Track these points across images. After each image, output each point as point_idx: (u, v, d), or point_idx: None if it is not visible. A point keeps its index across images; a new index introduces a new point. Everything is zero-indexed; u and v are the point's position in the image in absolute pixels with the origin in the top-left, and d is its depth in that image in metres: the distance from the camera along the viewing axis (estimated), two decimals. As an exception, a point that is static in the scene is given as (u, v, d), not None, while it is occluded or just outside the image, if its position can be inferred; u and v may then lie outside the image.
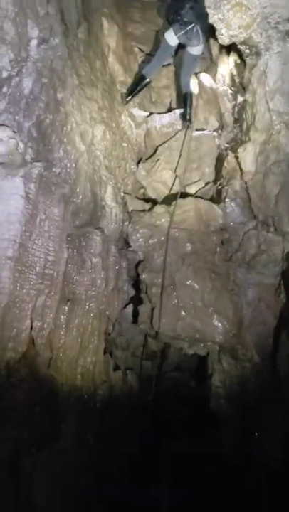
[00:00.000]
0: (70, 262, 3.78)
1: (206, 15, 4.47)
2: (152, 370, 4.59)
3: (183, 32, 4.55)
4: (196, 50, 4.74)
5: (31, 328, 3.30)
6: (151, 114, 5.48)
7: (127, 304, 4.57)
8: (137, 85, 4.95)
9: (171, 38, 4.64)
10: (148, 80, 4.89)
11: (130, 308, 4.62)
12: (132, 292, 4.62)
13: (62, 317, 3.70)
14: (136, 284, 4.60)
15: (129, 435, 4.18)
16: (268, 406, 4.20)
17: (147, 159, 5.21)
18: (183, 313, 4.19)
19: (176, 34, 4.59)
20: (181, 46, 4.86)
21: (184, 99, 5.07)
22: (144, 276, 4.38)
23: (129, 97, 4.93)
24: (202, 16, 4.57)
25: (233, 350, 4.60)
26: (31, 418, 3.25)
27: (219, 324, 4.23)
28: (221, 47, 5.22)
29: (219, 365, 4.56)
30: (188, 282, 4.30)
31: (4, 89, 2.87)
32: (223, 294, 4.38)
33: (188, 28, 4.53)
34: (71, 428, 3.58)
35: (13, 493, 2.99)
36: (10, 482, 2.98)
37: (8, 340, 3.06)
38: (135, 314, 4.55)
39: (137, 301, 4.57)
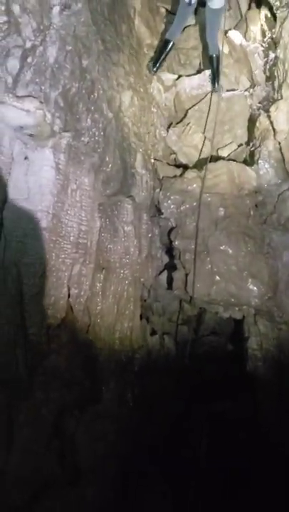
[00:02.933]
0: (102, 230, 3.84)
1: None
2: (188, 334, 4.66)
3: None
4: (216, 3, 4.42)
5: (69, 295, 3.41)
6: (180, 76, 5.36)
7: (161, 271, 4.61)
8: (162, 51, 4.76)
9: None
10: (172, 43, 4.70)
11: (165, 274, 4.65)
12: (166, 259, 4.64)
13: (98, 285, 3.79)
14: (169, 250, 4.61)
15: (166, 397, 4.30)
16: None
17: (177, 123, 5.12)
18: (217, 277, 4.19)
19: None
20: (201, 3, 4.54)
21: (210, 62, 4.88)
22: (177, 243, 4.38)
23: (156, 66, 4.78)
24: None
25: (269, 313, 4.57)
26: (73, 381, 3.40)
27: (254, 288, 4.21)
28: (251, 1, 4.98)
29: (255, 328, 4.56)
30: (221, 247, 4.28)
31: (29, 60, 2.87)
32: (258, 258, 4.34)
33: None
34: (111, 391, 3.71)
35: (59, 453, 3.16)
36: (55, 442, 3.15)
37: (47, 308, 3.18)
38: (170, 280, 4.59)
39: (171, 267, 4.60)
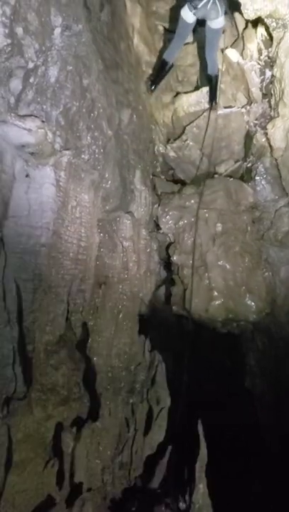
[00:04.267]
0: (101, 246, 3.85)
1: None
2: (186, 349, 4.65)
3: (200, 6, 4.33)
4: (216, 23, 4.49)
5: (68, 312, 3.41)
6: (178, 93, 5.45)
7: (159, 286, 4.63)
8: (161, 71, 4.84)
9: (188, 14, 4.40)
10: (171, 64, 4.77)
11: (163, 289, 4.67)
12: (164, 274, 4.67)
13: (96, 300, 3.79)
14: (168, 265, 4.64)
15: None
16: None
17: (175, 140, 5.20)
18: (215, 293, 4.23)
19: (192, 10, 4.35)
20: (200, 22, 4.63)
21: (209, 80, 4.95)
22: (175, 258, 4.42)
23: (154, 86, 4.84)
24: None
25: (267, 328, 4.61)
26: (71, 398, 3.38)
27: (252, 303, 4.25)
28: (247, 21, 5.07)
29: (253, 344, 4.59)
30: (219, 262, 4.32)
31: (31, 80, 2.91)
32: (256, 273, 4.38)
33: (205, 0, 4.34)
34: (110, 407, 3.70)
35: (57, 472, 3.13)
36: (53, 460, 3.12)
37: (46, 324, 3.18)
38: (168, 296, 4.61)
39: (169, 282, 4.62)
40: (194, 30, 5.11)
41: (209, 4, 4.30)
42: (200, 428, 3.68)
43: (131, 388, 4.07)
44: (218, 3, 4.32)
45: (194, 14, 4.37)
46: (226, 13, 4.58)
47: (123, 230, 4.08)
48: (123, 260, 4.02)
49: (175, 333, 4.81)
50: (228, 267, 4.30)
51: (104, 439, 3.52)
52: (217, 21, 4.46)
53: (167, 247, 4.58)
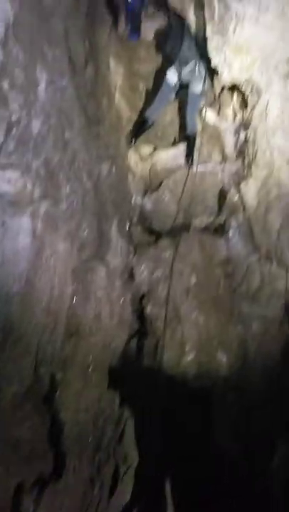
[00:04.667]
0: (75, 296, 3.82)
1: (205, 52, 4.57)
2: (157, 404, 4.55)
3: (184, 71, 4.59)
4: (198, 88, 4.80)
5: (36, 363, 3.32)
6: (156, 148, 5.64)
7: (131, 338, 4.57)
8: (141, 128, 5.04)
9: (172, 78, 4.66)
10: (151, 122, 4.98)
11: (134, 341, 4.61)
12: (136, 325, 4.62)
13: (66, 351, 3.70)
14: (140, 317, 4.61)
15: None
16: (274, 443, 4.14)
17: (153, 192, 5.31)
18: (188, 347, 4.20)
19: (176, 73, 4.62)
20: (183, 84, 4.93)
21: (187, 140, 5.17)
22: (148, 310, 4.41)
23: (133, 140, 5.01)
24: (201, 54, 4.67)
25: (238, 384, 4.57)
26: (34, 454, 3.23)
27: (224, 359, 4.23)
28: (224, 85, 5.36)
29: (224, 399, 4.52)
30: (192, 316, 4.32)
31: (13, 131, 2.95)
32: (228, 328, 4.39)
33: (189, 66, 4.58)
34: (74, 465, 3.54)
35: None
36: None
37: (14, 376, 3.08)
38: (140, 348, 4.54)
39: (141, 334, 4.57)
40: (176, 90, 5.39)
41: (193, 70, 4.57)
42: (168, 488, 3.55)
43: (98, 444, 3.92)
44: (200, 70, 4.61)
45: (178, 79, 4.62)
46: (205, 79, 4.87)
47: (97, 280, 4.07)
48: (96, 311, 3.99)
49: (146, 387, 4.70)
50: (201, 320, 4.30)
51: (67, 500, 3.34)
52: (199, 87, 4.74)
53: (141, 298, 4.57)
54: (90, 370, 3.86)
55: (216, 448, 4.42)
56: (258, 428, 4.38)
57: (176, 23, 5.74)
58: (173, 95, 5.13)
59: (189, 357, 4.20)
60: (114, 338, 4.18)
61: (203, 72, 4.69)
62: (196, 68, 4.63)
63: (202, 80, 4.74)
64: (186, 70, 4.60)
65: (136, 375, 4.66)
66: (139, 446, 4.21)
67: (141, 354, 4.41)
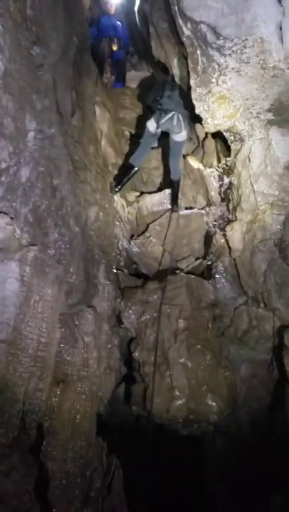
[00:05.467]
0: (62, 342, 3.76)
1: (186, 102, 4.72)
2: (146, 453, 4.41)
3: (164, 120, 4.68)
4: (179, 136, 4.92)
5: (23, 412, 3.21)
6: (142, 193, 5.74)
7: (119, 384, 4.47)
8: (126, 175, 5.11)
9: (153, 127, 4.77)
10: (136, 169, 5.06)
11: (122, 387, 4.52)
12: (125, 370, 4.54)
13: (54, 399, 3.60)
14: (128, 362, 4.53)
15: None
16: (266, 490, 4.02)
17: (139, 236, 5.36)
18: (177, 393, 4.12)
19: (157, 123, 4.72)
20: (163, 133, 5.01)
21: (171, 185, 5.27)
22: (136, 355, 4.34)
23: (118, 187, 5.07)
24: (181, 103, 4.79)
25: (228, 430, 4.48)
26: (20, 508, 3.07)
27: (213, 404, 4.15)
28: (207, 132, 5.55)
29: (214, 446, 4.41)
30: (181, 360, 4.27)
31: (2, 179, 2.99)
32: (217, 372, 4.34)
33: (169, 116, 4.70)
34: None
35: None
36: None
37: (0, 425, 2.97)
38: (128, 393, 4.45)
39: (129, 379, 4.49)
40: (159, 137, 5.53)
41: (173, 120, 4.72)
42: None
43: (85, 497, 3.76)
44: (181, 119, 4.74)
45: (158, 127, 4.75)
46: (188, 125, 5.01)
47: (85, 325, 4.02)
48: (83, 356, 3.91)
49: (134, 435, 4.58)
50: (189, 364, 4.24)
51: None
52: (180, 135, 4.88)
53: (129, 343, 4.51)
54: (77, 418, 3.75)
55: (207, 500, 4.28)
56: (249, 476, 4.27)
57: (159, 74, 6.00)
58: (155, 143, 5.24)
59: (178, 403, 4.10)
60: (101, 384, 4.09)
61: (184, 121, 4.81)
62: (176, 117, 4.75)
63: (183, 129, 4.86)
64: (165, 119, 4.71)
65: (125, 422, 4.55)
66: (127, 498, 4.06)
67: (129, 400, 4.31)
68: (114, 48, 7.26)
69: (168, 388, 4.13)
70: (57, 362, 3.65)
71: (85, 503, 3.69)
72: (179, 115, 4.77)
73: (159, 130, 4.79)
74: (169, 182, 5.32)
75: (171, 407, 4.07)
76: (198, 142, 6.02)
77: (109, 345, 4.26)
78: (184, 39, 4.03)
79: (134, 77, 8.32)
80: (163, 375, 4.17)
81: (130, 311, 4.56)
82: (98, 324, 4.16)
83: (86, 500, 3.71)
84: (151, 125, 4.79)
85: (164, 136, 5.25)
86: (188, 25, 3.89)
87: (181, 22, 3.95)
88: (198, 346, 4.38)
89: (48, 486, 3.41)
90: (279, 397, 4.39)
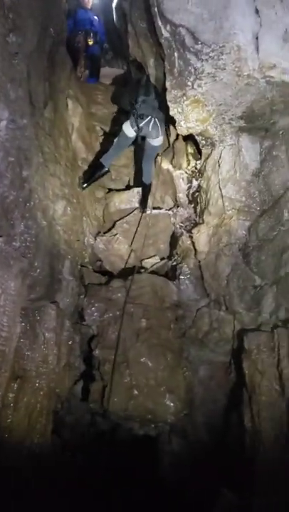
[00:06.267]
0: (22, 336, 3.70)
1: (162, 106, 4.71)
2: (101, 451, 4.40)
3: (141, 124, 4.64)
4: (156, 141, 4.88)
5: (-22, 407, 3.14)
6: (110, 190, 5.71)
7: (77, 381, 4.43)
8: (94, 173, 5.04)
9: (129, 130, 4.71)
10: (106, 169, 5.00)
11: (80, 384, 4.47)
12: (83, 368, 4.49)
13: (10, 395, 3.54)
14: (88, 359, 4.49)
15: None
16: (220, 490, 4.09)
17: (105, 233, 5.33)
18: (135, 392, 4.12)
19: (133, 127, 4.67)
20: (139, 136, 4.92)
21: (142, 187, 5.26)
22: (97, 352, 4.31)
23: (86, 184, 5.00)
24: (157, 108, 4.78)
25: (184, 430, 4.53)
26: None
27: (171, 404, 4.18)
28: (179, 134, 5.58)
29: (170, 446, 4.45)
30: (142, 359, 4.27)
31: None
32: (176, 372, 4.37)
33: (145, 121, 4.66)
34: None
35: None
36: None
37: None
38: (85, 391, 4.42)
39: (87, 377, 4.45)
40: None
41: (150, 124, 4.68)
42: None
43: (41, 494, 3.70)
44: (158, 124, 4.72)
45: (135, 131, 4.70)
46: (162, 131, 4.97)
47: (46, 320, 3.95)
48: (43, 352, 3.85)
49: (91, 433, 4.55)
50: (150, 364, 4.25)
51: None
52: (157, 140, 4.85)
53: (90, 340, 4.47)
54: (34, 415, 3.69)
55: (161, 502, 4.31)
56: (203, 477, 4.33)
57: (133, 72, 5.97)
58: (129, 145, 5.19)
59: (137, 402, 4.11)
60: (60, 381, 4.03)
61: (160, 125, 4.79)
62: (152, 122, 4.72)
63: (160, 134, 4.84)
64: (142, 124, 4.67)
65: (81, 420, 4.51)
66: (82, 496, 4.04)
67: (87, 398, 4.28)
68: (90, 42, 7.19)
69: (127, 387, 4.13)
70: (16, 357, 3.58)
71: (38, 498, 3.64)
72: (156, 119, 4.74)
73: (135, 134, 4.75)
74: (141, 184, 5.31)
75: (129, 406, 4.07)
76: (169, 143, 6.04)
77: (70, 342, 4.21)
78: (163, 41, 4.04)
79: (108, 74, 8.27)
80: (122, 374, 4.16)
81: (93, 309, 4.52)
82: (60, 320, 4.11)
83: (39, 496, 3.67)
84: (127, 129, 4.73)
85: (138, 140, 5.22)
86: (168, 27, 3.90)
87: (160, 23, 3.96)
88: (160, 346, 4.39)
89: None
90: (235, 399, 4.49)
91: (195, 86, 4.02)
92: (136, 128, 4.64)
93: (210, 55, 3.72)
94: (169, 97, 4.31)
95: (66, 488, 3.93)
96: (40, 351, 3.83)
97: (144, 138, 4.89)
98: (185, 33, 3.75)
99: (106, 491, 4.17)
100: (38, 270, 3.76)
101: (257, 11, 3.54)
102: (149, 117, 4.66)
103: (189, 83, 4.02)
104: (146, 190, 5.26)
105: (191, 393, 4.49)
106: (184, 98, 4.22)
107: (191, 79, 3.99)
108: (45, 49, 4.58)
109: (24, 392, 3.65)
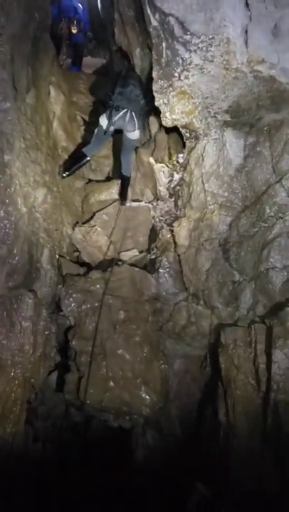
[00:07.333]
0: (-1, 325, 3.62)
1: (140, 100, 4.67)
2: (74, 443, 4.35)
3: (116, 118, 4.61)
4: (132, 135, 4.87)
5: None
6: (90, 181, 5.63)
7: (51, 371, 4.36)
8: (76, 162, 4.98)
9: (105, 123, 4.69)
10: (87, 158, 4.94)
11: (55, 375, 4.41)
12: (59, 358, 4.43)
13: (-16, 384, 3.46)
14: (63, 350, 4.43)
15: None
16: (192, 484, 4.11)
17: (84, 224, 5.25)
18: (111, 383, 4.10)
19: (108, 120, 4.64)
20: (116, 130, 4.91)
21: (121, 179, 5.22)
22: (73, 343, 4.26)
23: (67, 173, 4.93)
24: (134, 101, 4.73)
25: (158, 423, 4.53)
26: None
27: (147, 397, 4.17)
28: (160, 126, 5.54)
29: (144, 439, 4.44)
30: (118, 351, 4.25)
31: None
32: (153, 365, 4.37)
33: (121, 114, 4.64)
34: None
35: None
36: None
37: None
38: (59, 382, 4.36)
39: (62, 368, 4.39)
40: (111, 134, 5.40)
41: (125, 117, 4.64)
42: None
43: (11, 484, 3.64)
44: (134, 118, 4.68)
45: (110, 125, 4.66)
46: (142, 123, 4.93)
47: (24, 309, 3.89)
48: (20, 341, 3.79)
49: (64, 424, 4.49)
50: (127, 356, 4.23)
51: None
52: (133, 133, 4.82)
53: (66, 331, 4.41)
54: (8, 405, 3.61)
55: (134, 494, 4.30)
56: (176, 470, 4.34)
57: (116, 63, 5.89)
58: (108, 137, 5.13)
59: (112, 394, 4.08)
60: (35, 371, 3.96)
61: (137, 119, 4.75)
62: (128, 115, 4.68)
63: (136, 128, 4.80)
64: (117, 117, 4.64)
65: (54, 410, 4.45)
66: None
67: (61, 389, 4.22)
68: (74, 30, 7.08)
69: (103, 379, 4.10)
70: (-9, 346, 3.50)
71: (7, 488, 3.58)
72: (133, 113, 4.70)
73: (112, 128, 4.70)
74: (120, 177, 5.26)
75: (104, 398, 4.04)
76: (150, 135, 5.99)
77: (46, 332, 4.13)
78: (151, 29, 3.99)
79: (90, 63, 8.16)
80: (99, 365, 4.13)
81: (71, 299, 4.46)
82: (37, 309, 4.04)
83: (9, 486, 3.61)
84: (103, 121, 4.69)
85: (116, 133, 5.17)
86: (157, 16, 3.85)
87: (149, 12, 3.91)
88: (137, 338, 4.38)
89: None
90: (209, 393, 4.51)
91: (182, 77, 3.98)
92: (110, 121, 4.60)
93: (199, 46, 3.69)
94: (155, 87, 4.26)
95: (36, 478, 3.87)
96: (16, 340, 3.77)
97: (119, 131, 4.83)
98: (174, 22, 3.70)
99: (78, 482, 4.13)
100: (17, 258, 3.69)
101: (247, 5, 3.53)
102: (125, 110, 4.61)
103: (176, 74, 3.98)
104: (125, 183, 5.22)
105: (166, 386, 4.49)
106: (171, 89, 4.17)
107: (179, 70, 3.95)
108: (29, 33, 4.48)
109: (-1, 382, 3.58)
